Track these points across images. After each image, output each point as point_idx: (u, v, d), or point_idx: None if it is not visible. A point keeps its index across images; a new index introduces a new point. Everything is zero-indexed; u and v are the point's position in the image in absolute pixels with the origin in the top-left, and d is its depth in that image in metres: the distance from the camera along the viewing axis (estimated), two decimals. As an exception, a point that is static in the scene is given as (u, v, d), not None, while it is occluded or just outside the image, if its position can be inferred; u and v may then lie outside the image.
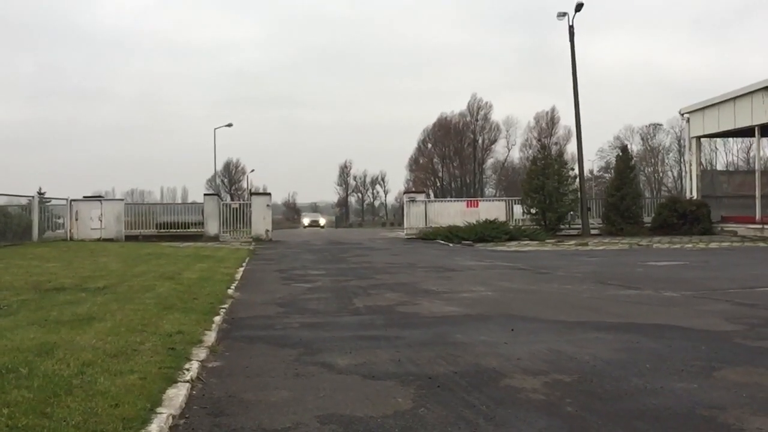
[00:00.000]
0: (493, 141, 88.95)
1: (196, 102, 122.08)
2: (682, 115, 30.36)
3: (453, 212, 29.21)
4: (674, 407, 3.96)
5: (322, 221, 62.78)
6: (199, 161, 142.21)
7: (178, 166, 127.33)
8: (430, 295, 9.54)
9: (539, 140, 54.22)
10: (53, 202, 27.32)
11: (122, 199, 32.61)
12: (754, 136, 26.56)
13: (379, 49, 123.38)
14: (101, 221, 26.88)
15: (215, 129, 54.55)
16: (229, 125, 55.22)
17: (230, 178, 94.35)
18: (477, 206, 29.98)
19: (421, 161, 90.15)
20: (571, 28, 27.75)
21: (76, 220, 26.74)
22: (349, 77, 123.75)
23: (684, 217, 26.34)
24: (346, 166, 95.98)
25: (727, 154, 74.08)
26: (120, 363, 4.81)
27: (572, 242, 22.73)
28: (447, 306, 8.36)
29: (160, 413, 3.82)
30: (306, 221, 61.74)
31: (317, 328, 6.93)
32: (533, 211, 27.64)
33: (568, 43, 27.97)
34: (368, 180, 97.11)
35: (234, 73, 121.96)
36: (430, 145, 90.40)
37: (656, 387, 4.40)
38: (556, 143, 73.88)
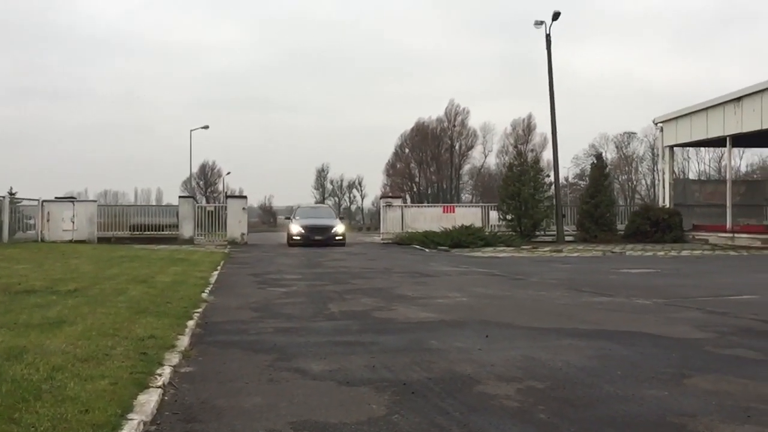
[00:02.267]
0: (470, 147, 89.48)
1: (174, 103, 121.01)
2: (656, 124, 30.83)
3: (429, 217, 29.31)
4: (645, 414, 4.00)
5: (341, 228, 27.21)
6: (174, 163, 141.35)
7: (154, 168, 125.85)
8: (405, 300, 9.54)
9: (516, 147, 54.52)
10: (24, 202, 26.89)
11: (95, 201, 32.21)
12: (725, 146, 27.05)
13: (360, 53, 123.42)
14: (73, 222, 26.53)
15: (191, 131, 54.07)
16: (206, 127, 54.78)
17: (206, 180, 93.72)
18: (453, 212, 30.11)
19: (398, 166, 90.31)
20: (548, 36, 28.04)
21: (48, 221, 26.36)
22: (330, 81, 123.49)
23: (657, 225, 26.71)
24: (323, 170, 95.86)
25: (699, 163, 75.40)
26: (90, 368, 4.74)
27: (547, 249, 22.91)
28: (422, 312, 8.37)
29: (131, 419, 3.77)
30: (295, 228, 26.28)
31: (292, 333, 6.89)
32: (509, 217, 27.83)
33: (546, 52, 28.27)
34: (345, 184, 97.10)
35: (214, 76, 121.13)
36: (407, 150, 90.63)
37: (627, 394, 4.44)
38: (532, 150, 74.47)
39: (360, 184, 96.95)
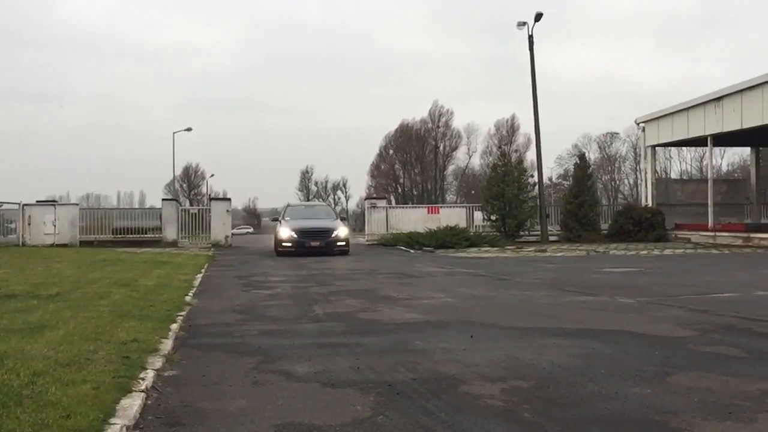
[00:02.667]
0: (454, 148, 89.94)
1: (158, 105, 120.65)
2: (638, 124, 31.10)
3: (414, 218, 29.33)
4: (628, 412, 4.02)
5: (343, 231, 21.60)
6: (158, 166, 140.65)
7: (137, 171, 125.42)
8: (390, 301, 9.54)
9: (499, 147, 54.84)
10: (5, 206, 26.67)
11: (77, 204, 31.89)
12: (706, 145, 27.32)
13: (345, 55, 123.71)
14: (55, 226, 26.29)
15: (174, 133, 53.85)
16: (189, 129, 54.61)
17: (189, 183, 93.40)
18: (438, 212, 30.16)
19: (382, 167, 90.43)
20: (530, 37, 28.18)
21: (29, 224, 26.10)
22: (315, 83, 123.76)
23: (639, 225, 26.92)
24: (307, 171, 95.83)
25: (681, 163, 76.25)
26: (72, 372, 4.69)
27: (531, 249, 23.01)
28: (407, 313, 8.37)
29: (114, 424, 3.73)
30: (285, 232, 21.08)
31: (276, 336, 6.87)
32: (493, 217, 27.93)
33: (528, 52, 28.41)
34: (330, 186, 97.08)
35: (197, 78, 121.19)
36: (391, 152, 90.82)
37: (611, 392, 4.47)
38: (516, 151, 74.93)
39: (344, 185, 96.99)
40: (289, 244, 20.83)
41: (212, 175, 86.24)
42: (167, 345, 6.05)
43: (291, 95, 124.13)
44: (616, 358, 5.57)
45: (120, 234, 27.70)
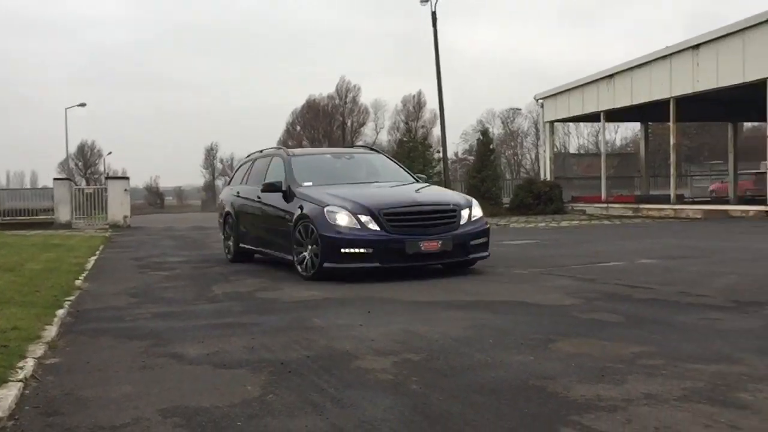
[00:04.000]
0: (362, 124, 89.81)
1: (51, 82, 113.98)
2: (537, 100, 32.12)
3: (320, 195, 29.13)
4: (510, 380, 4.18)
5: (478, 209, 9.86)
6: (51, 144, 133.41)
7: (28, 150, 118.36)
8: (291, 279, 9.48)
9: (406, 123, 55.19)
10: None
11: (-40, 185, 29.92)
12: (600, 121, 28.57)
13: (250, 30, 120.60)
14: (-66, 209, 24.56)
15: (66, 109, 51.19)
16: (82, 105, 52.09)
17: (85, 161, 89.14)
18: (344, 189, 30.13)
19: (290, 144, 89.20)
20: (433, 14, 28.47)
21: None
22: (219, 58, 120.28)
23: (539, 198, 27.95)
24: (212, 149, 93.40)
25: (578, 138, 79.22)
26: (-59, 365, 4.42)
27: (435, 223, 23.40)
28: (307, 290, 8.35)
29: (-15, 417, 3.55)
30: (344, 219, 8.70)
31: (171, 318, 6.71)
32: (399, 193, 28.18)
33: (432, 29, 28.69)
34: (235, 163, 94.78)
35: (93, 52, 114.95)
36: (299, 128, 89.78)
37: (496, 361, 4.63)
38: (423, 126, 75.81)
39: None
40: (363, 250, 8.87)
41: (110, 153, 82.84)
42: (51, 332, 5.79)
43: (192, 71, 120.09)
44: (505, 328, 5.77)
45: (8, 216, 26.23)
